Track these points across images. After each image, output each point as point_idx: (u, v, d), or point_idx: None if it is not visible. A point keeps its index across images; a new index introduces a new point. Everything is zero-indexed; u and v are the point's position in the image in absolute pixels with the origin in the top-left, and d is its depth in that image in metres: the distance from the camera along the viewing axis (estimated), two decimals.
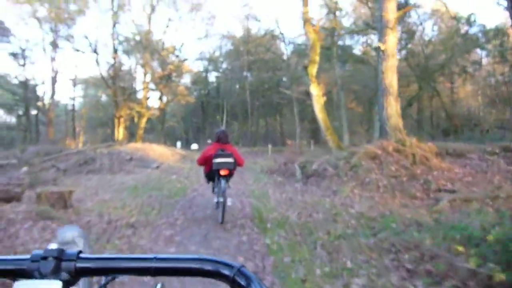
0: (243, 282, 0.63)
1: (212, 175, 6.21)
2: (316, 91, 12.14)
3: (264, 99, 38.16)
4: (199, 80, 40.14)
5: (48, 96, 28.48)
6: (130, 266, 0.69)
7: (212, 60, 41.78)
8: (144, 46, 24.34)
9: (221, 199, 5.80)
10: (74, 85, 35.52)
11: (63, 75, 41.51)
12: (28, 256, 0.66)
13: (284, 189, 9.71)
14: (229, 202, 6.03)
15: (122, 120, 24.27)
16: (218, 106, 40.93)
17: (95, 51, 23.25)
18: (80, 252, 0.68)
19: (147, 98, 28.57)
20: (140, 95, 27.51)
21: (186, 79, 42.09)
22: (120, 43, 24.90)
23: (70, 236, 1.16)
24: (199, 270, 0.66)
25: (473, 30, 25.13)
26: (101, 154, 14.51)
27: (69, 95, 48.54)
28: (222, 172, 5.90)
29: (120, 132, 24.25)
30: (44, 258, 0.65)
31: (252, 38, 35.77)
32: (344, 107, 23.12)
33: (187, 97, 28.33)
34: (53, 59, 26.95)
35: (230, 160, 5.95)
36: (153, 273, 0.67)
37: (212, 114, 44.73)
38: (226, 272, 0.65)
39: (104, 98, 39.83)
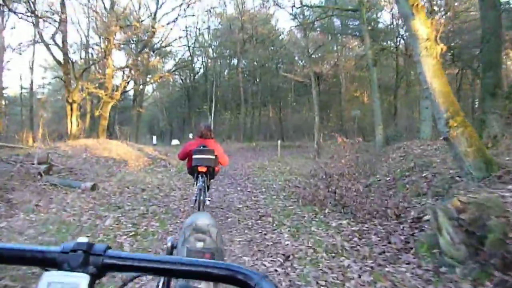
0: None
1: (193, 171, 5.60)
2: (425, 31, 5.30)
3: (261, 83, 31.03)
4: (184, 64, 32.71)
5: None
6: (155, 266, 0.67)
7: (198, 41, 34.51)
8: None
9: (201, 198, 5.27)
10: (32, 68, 28.07)
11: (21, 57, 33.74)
12: (59, 248, 0.66)
13: None
14: (207, 201, 5.62)
15: (75, 107, 17.04)
16: (206, 93, 33.76)
17: (33, 12, 15.82)
18: (108, 248, 0.67)
19: (122, 83, 21.22)
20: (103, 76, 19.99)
21: (169, 64, 35.03)
22: None
23: (205, 225, 1.08)
24: (220, 276, 0.64)
25: None
26: None
27: (29, 81, 40.42)
28: (200, 169, 5.41)
29: (73, 124, 17.04)
30: (74, 250, 0.64)
31: (247, 11, 28.63)
32: (376, 88, 16.18)
33: (165, 74, 20.93)
34: None
35: (210, 156, 5.43)
36: (177, 275, 0.67)
37: (200, 103, 37.59)
38: (249, 281, 0.61)
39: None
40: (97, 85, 17.79)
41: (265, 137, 32.48)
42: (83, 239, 0.67)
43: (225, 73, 37.14)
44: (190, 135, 23.11)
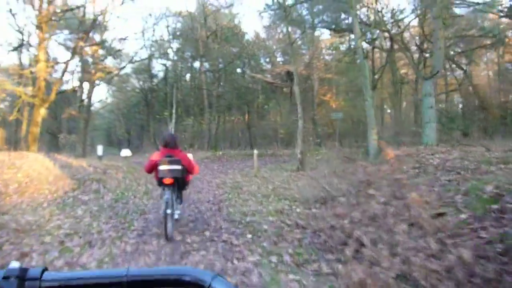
0: None
1: (160, 184, 5.07)
2: None
3: (227, 85, 27.29)
4: (135, 60, 28.41)
5: None
6: (100, 282, 0.60)
7: (156, 41, 30.34)
8: None
9: (168, 211, 4.68)
10: None
11: None
12: None
13: None
14: (176, 215, 5.10)
15: None
16: (166, 98, 29.64)
17: None
18: (45, 269, 0.60)
19: (57, 81, 16.92)
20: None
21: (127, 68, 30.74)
22: None
23: None
24: (175, 281, 0.59)
25: None
26: None
27: None
28: (166, 181, 4.90)
29: None
30: (6, 278, 0.57)
31: (210, 5, 24.89)
32: (369, 84, 12.91)
33: (109, 68, 16.72)
34: None
35: (176, 167, 4.98)
36: (126, 287, 0.59)
37: (160, 108, 33.36)
38: (201, 281, 0.57)
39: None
40: (15, 82, 13.45)
41: (231, 145, 28.82)
42: (15, 264, 0.59)
43: (187, 77, 33.23)
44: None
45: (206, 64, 28.83)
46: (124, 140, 42.68)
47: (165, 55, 31.32)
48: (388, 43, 18.85)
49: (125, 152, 15.36)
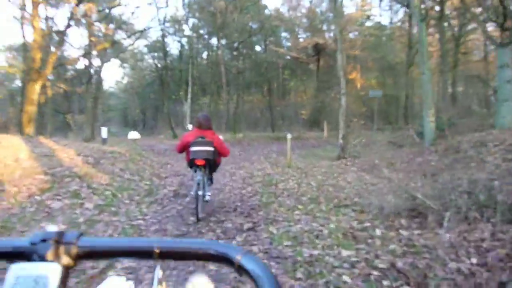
0: (249, 267, 0.53)
1: (191, 165, 4.91)
2: None
3: (247, 60, 24.57)
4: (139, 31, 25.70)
5: None
6: (132, 249, 0.60)
7: (173, 20, 27.62)
8: None
9: (200, 193, 4.60)
10: None
11: None
12: (27, 238, 0.57)
13: None
14: (207, 196, 4.93)
15: None
16: (182, 76, 27.10)
17: None
18: (81, 234, 0.59)
19: (53, 53, 14.59)
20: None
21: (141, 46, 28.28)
22: None
23: None
24: (204, 254, 0.58)
25: None
26: None
27: None
28: (198, 162, 4.72)
29: None
30: (44, 240, 0.56)
31: None
32: (426, 53, 10.18)
33: (107, 30, 14.30)
34: None
35: (208, 148, 4.78)
36: (156, 257, 0.58)
37: (176, 88, 30.93)
38: (231, 257, 0.55)
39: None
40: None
41: (249, 126, 26.32)
42: (52, 228, 0.59)
43: (204, 55, 30.60)
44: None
45: (223, 41, 26.23)
46: (139, 120, 40.61)
47: (180, 31, 28.77)
48: (435, 10, 15.90)
49: (133, 135, 13.07)
